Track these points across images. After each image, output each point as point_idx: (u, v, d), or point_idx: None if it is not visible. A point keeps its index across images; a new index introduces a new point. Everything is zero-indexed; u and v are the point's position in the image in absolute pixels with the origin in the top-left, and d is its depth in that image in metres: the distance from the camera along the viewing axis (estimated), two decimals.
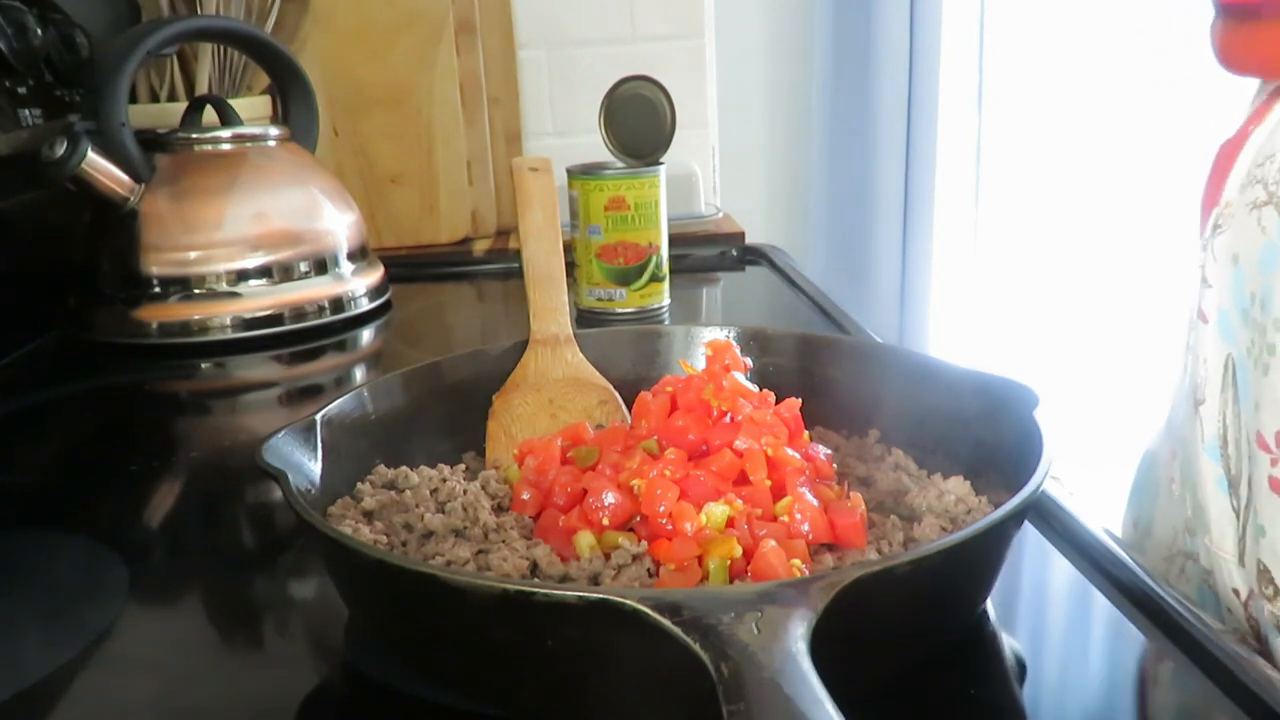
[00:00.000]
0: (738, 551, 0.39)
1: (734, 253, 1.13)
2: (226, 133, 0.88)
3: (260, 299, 0.85)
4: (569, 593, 0.31)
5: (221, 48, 1.02)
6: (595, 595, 0.30)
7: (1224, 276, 0.45)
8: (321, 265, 0.88)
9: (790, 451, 0.45)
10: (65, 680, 0.39)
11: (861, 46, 1.81)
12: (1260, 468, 0.44)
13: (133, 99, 0.92)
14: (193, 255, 0.83)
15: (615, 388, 0.57)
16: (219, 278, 0.84)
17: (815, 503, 0.42)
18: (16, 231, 0.85)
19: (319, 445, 0.45)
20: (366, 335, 0.90)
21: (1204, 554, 0.50)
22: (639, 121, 0.87)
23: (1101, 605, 0.43)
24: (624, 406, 0.56)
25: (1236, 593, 0.47)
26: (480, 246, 1.18)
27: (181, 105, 0.91)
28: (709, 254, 1.13)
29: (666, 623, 0.29)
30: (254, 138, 0.89)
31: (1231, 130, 0.49)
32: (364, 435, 0.49)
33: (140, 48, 0.79)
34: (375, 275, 0.95)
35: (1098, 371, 1.84)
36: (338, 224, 0.91)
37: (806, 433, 0.50)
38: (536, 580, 0.40)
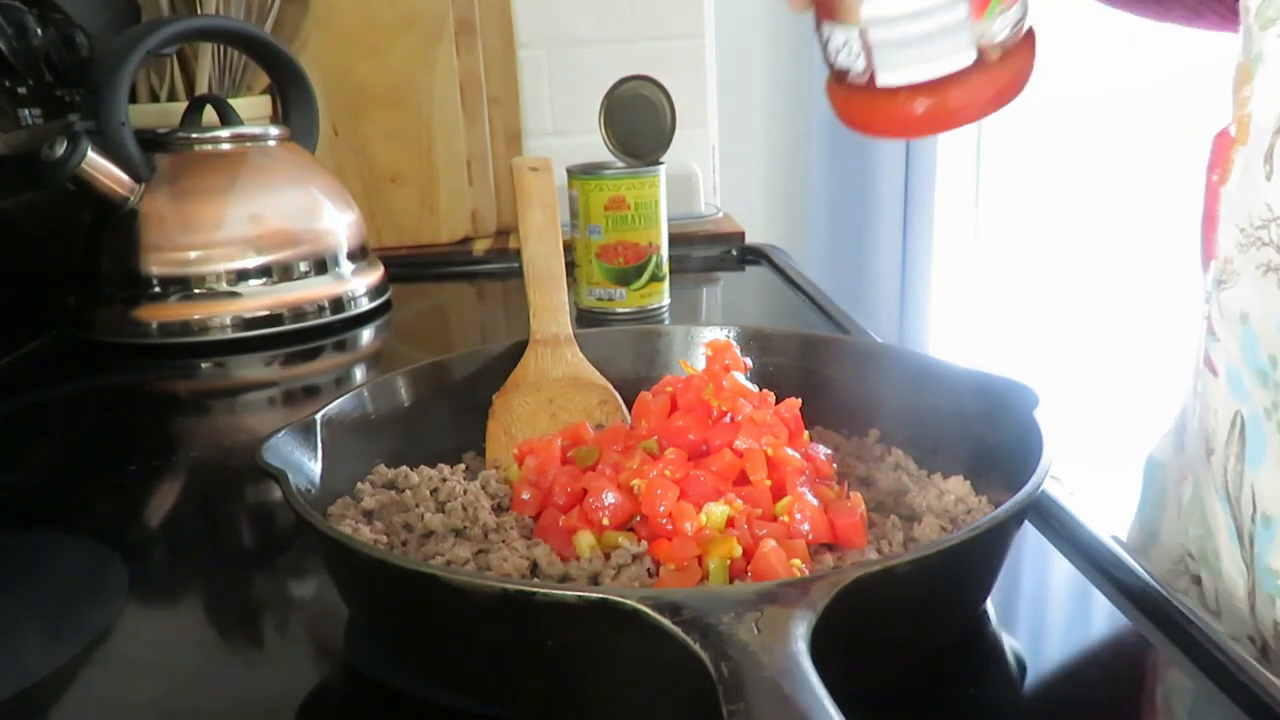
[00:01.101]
0: (738, 551, 0.39)
1: (734, 253, 1.13)
2: (226, 133, 0.88)
3: (260, 299, 0.85)
4: (569, 593, 0.31)
5: (221, 48, 1.02)
6: (595, 595, 0.30)
7: (1233, 333, 0.45)
8: (321, 265, 0.88)
9: (790, 451, 0.45)
10: (65, 680, 0.39)
11: None
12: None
13: (133, 99, 0.92)
14: (193, 255, 0.83)
15: (615, 388, 0.57)
16: (219, 278, 0.84)
17: (815, 503, 0.42)
18: (16, 231, 0.85)
19: (319, 445, 0.45)
20: (366, 335, 0.90)
21: (1210, 594, 0.50)
22: (639, 121, 0.87)
23: (1101, 605, 0.43)
24: (624, 406, 0.56)
25: (1251, 639, 0.47)
26: (480, 246, 1.18)
27: (181, 105, 0.91)
28: (709, 254, 1.13)
29: (666, 623, 0.29)
30: (254, 138, 0.89)
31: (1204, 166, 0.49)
32: (364, 435, 0.49)
33: (140, 48, 0.79)
34: (375, 275, 0.94)
35: (1098, 372, 1.84)
36: (338, 224, 0.91)
37: (806, 433, 0.50)
38: (536, 580, 0.40)
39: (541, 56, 1.26)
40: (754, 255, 1.11)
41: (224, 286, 0.84)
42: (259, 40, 0.92)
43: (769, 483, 0.43)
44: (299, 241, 0.87)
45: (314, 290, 0.87)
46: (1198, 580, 0.52)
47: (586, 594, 0.31)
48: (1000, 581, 0.41)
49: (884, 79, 0.42)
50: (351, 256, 0.92)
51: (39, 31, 0.85)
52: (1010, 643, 0.40)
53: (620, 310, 0.88)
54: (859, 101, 0.46)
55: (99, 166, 0.79)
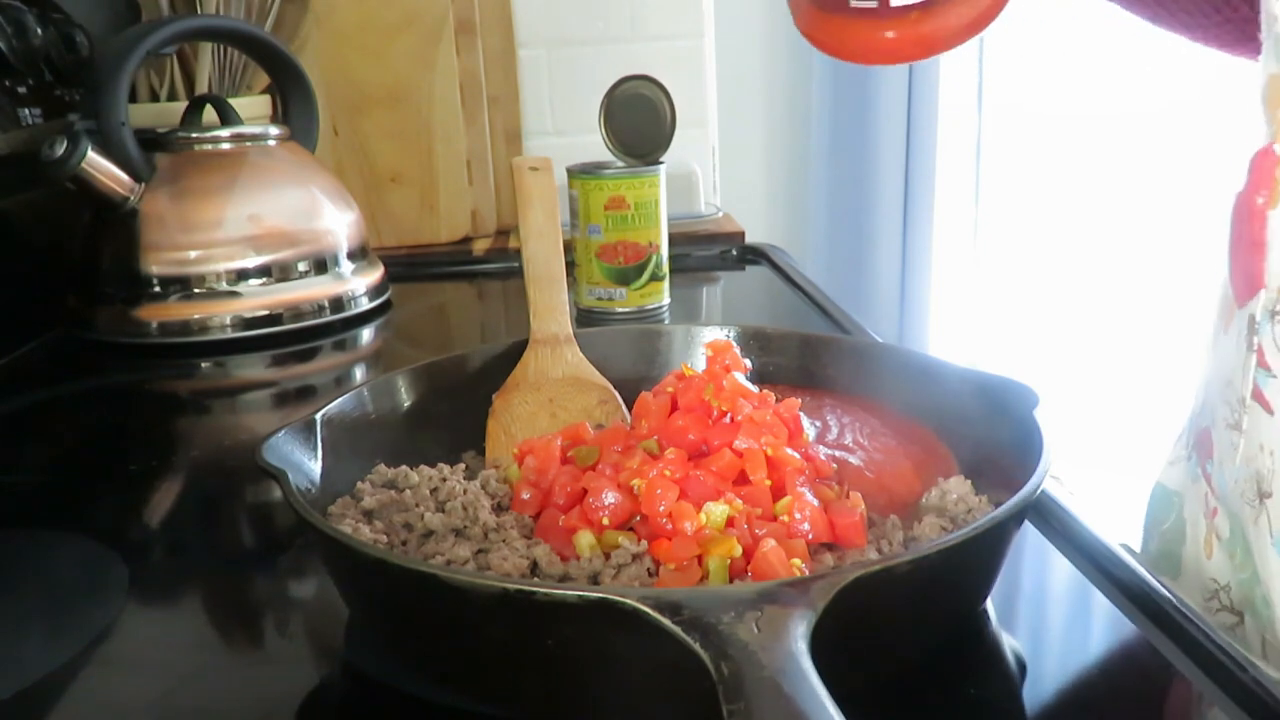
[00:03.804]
0: (738, 551, 0.39)
1: (734, 252, 1.13)
2: (226, 132, 0.88)
3: (260, 298, 0.85)
4: (569, 592, 0.31)
5: (221, 47, 1.02)
6: (595, 594, 0.30)
7: None
8: (321, 265, 0.88)
9: (790, 451, 0.45)
10: (65, 680, 0.39)
11: None
12: None
13: (133, 98, 0.92)
14: (192, 255, 0.83)
15: (615, 388, 0.57)
16: (219, 277, 0.84)
17: (815, 502, 0.42)
18: (16, 231, 0.85)
19: (319, 444, 0.45)
20: (366, 335, 0.90)
21: (1255, 639, 0.49)
22: (639, 121, 0.87)
23: (1101, 605, 0.43)
24: (624, 406, 0.56)
25: None
26: (480, 246, 1.18)
27: (181, 105, 0.91)
28: (709, 254, 1.13)
29: (666, 622, 0.29)
30: (254, 137, 0.89)
31: (1237, 178, 0.47)
32: (364, 434, 0.49)
33: (140, 47, 0.79)
34: (375, 275, 0.94)
35: (1098, 372, 1.84)
36: (337, 223, 0.91)
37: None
38: (536, 580, 0.40)
39: (541, 56, 1.26)
40: (754, 255, 1.11)
41: (224, 286, 0.84)
42: (259, 40, 0.92)
43: (769, 483, 0.43)
44: (299, 241, 0.87)
45: (314, 290, 0.87)
46: (1238, 615, 0.50)
47: (586, 594, 0.31)
48: (1000, 581, 0.41)
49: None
50: (351, 256, 0.92)
51: (39, 31, 0.85)
52: (1010, 643, 0.40)
53: (620, 310, 0.88)
54: (831, 25, 0.47)
55: (99, 166, 0.79)
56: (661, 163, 0.87)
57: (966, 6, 0.45)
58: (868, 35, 0.46)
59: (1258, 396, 0.46)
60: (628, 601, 0.29)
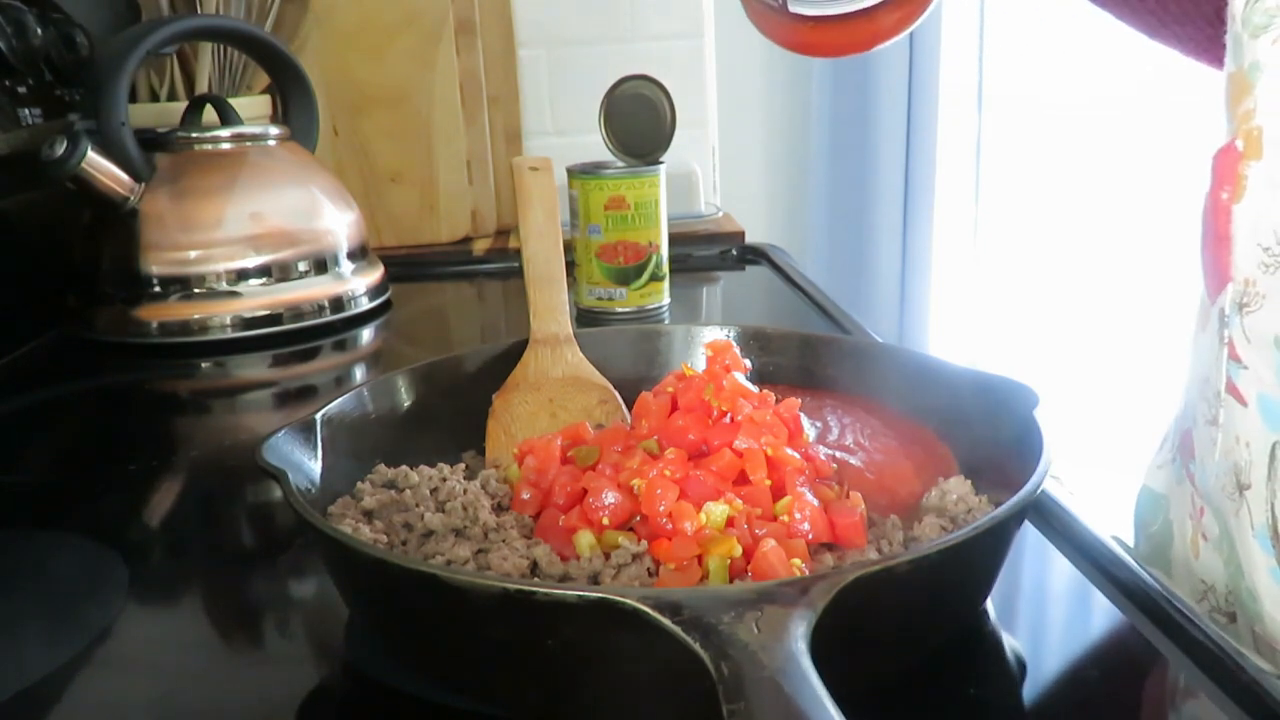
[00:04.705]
0: (738, 551, 0.39)
1: (734, 252, 1.13)
2: (226, 132, 0.88)
3: (260, 298, 0.85)
4: (569, 592, 0.31)
5: (221, 47, 1.02)
6: (595, 594, 0.30)
7: (1265, 360, 0.44)
8: (321, 264, 0.88)
9: (790, 451, 0.45)
10: (65, 680, 0.39)
11: None
12: None
13: (133, 98, 0.92)
14: (193, 255, 0.83)
15: (615, 387, 0.57)
16: (219, 277, 0.84)
17: (815, 502, 0.42)
18: (16, 231, 0.85)
19: (319, 444, 0.45)
20: (366, 335, 0.90)
21: (1245, 634, 0.49)
22: (639, 121, 0.87)
23: (1101, 605, 0.43)
24: (624, 406, 0.56)
25: None
26: (480, 246, 1.18)
27: (181, 104, 0.91)
28: (709, 254, 1.13)
29: (666, 622, 0.29)
30: (254, 137, 0.89)
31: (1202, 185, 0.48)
32: (364, 434, 0.49)
33: (140, 47, 0.79)
34: (375, 274, 0.95)
35: (1098, 371, 1.84)
36: (337, 223, 0.91)
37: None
38: (537, 580, 0.40)
39: (541, 56, 1.26)
40: (754, 255, 1.11)
41: (224, 286, 0.84)
42: (259, 40, 0.92)
43: (769, 483, 0.43)
44: (299, 241, 0.87)
45: (314, 290, 0.87)
46: (1228, 615, 0.51)
47: (586, 594, 0.31)
48: (1000, 581, 0.41)
49: (795, 7, 0.49)
50: (351, 256, 0.92)
51: (39, 31, 0.85)
52: (1010, 643, 0.40)
53: (620, 310, 0.88)
54: (771, 18, 0.53)
55: (99, 166, 0.79)
56: (661, 163, 0.87)
57: (897, 11, 0.51)
58: (802, 35, 0.53)
59: (1231, 389, 0.47)
60: (628, 601, 0.29)
